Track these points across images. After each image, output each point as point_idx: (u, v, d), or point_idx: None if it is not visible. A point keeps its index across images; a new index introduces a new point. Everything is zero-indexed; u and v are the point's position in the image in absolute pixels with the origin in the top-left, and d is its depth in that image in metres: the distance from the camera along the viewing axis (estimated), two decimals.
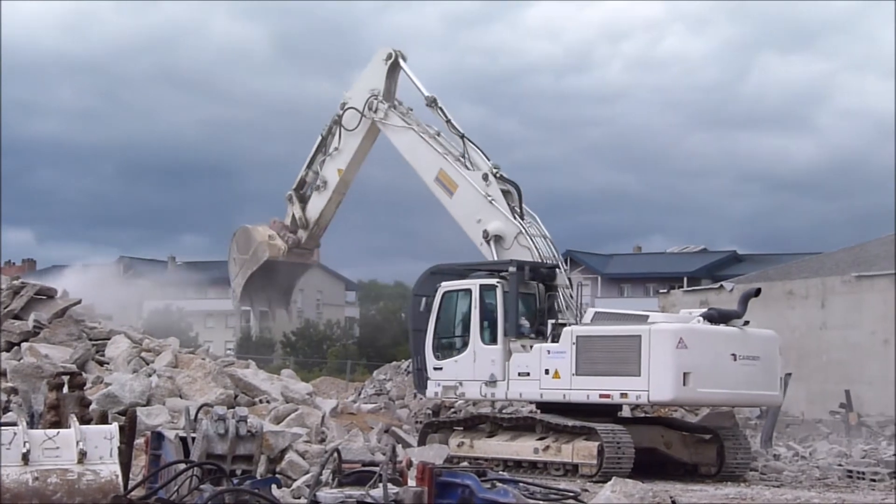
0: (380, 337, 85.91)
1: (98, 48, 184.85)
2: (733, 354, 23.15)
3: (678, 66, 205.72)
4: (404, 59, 28.63)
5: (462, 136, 27.05)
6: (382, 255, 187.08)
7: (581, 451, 22.71)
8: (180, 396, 21.81)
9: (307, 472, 16.36)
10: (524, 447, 23.70)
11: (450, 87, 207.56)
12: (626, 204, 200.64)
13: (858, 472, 24.34)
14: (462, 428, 25.35)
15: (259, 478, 13.11)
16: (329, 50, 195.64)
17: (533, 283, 24.66)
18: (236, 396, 22.68)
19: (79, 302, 26.33)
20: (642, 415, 27.47)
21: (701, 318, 23.54)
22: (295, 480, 16.12)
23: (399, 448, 17.83)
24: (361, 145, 29.26)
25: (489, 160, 26.56)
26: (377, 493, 12.08)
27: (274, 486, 13.05)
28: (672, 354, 22.70)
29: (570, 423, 23.22)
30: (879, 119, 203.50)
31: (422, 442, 25.06)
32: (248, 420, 12.95)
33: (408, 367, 39.23)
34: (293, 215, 30.60)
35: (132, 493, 11.10)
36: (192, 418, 14.08)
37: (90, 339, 24.92)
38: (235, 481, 12.05)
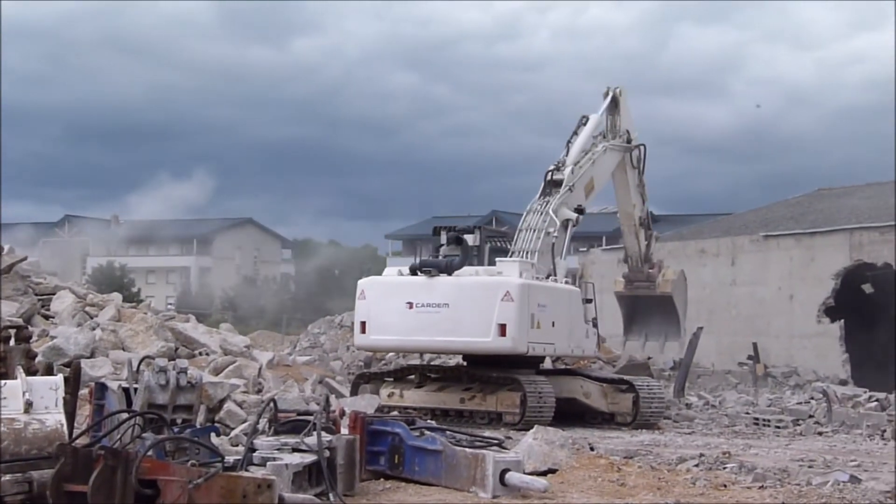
0: (315, 292, 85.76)
1: (45, 13, 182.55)
2: (409, 303, 23.20)
3: (601, 35, 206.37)
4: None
5: None
6: (316, 214, 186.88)
7: (505, 401, 22.83)
8: (123, 349, 21.68)
9: (244, 421, 16.34)
10: (451, 397, 23.78)
11: (385, 54, 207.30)
12: (548, 166, 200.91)
13: (764, 420, 24.63)
14: (392, 379, 25.37)
15: (199, 426, 13.08)
16: (271, 17, 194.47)
17: None
18: (177, 349, 22.58)
19: (25, 258, 26.05)
20: (563, 367, 27.63)
21: (407, 271, 23.80)
22: (233, 429, 16.10)
23: (332, 398, 17.87)
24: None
25: None
26: (311, 440, 12.08)
27: (213, 435, 13.01)
28: (357, 305, 23.95)
29: (495, 374, 23.33)
30: (789, 87, 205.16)
31: (354, 392, 25.06)
32: (188, 371, 12.92)
33: (340, 321, 39.26)
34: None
35: (77, 441, 11.04)
36: (134, 370, 14.02)
37: (36, 294, 24.68)
38: (176, 430, 12.01)
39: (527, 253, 24.47)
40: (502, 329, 22.36)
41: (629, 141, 28.46)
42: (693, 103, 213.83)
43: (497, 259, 23.95)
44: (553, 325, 23.13)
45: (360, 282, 24.52)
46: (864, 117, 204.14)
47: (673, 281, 30.38)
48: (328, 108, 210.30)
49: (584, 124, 27.57)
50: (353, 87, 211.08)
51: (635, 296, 30.88)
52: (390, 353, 32.64)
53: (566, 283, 24.41)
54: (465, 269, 23.41)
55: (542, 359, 25.22)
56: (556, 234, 24.83)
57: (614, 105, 28.27)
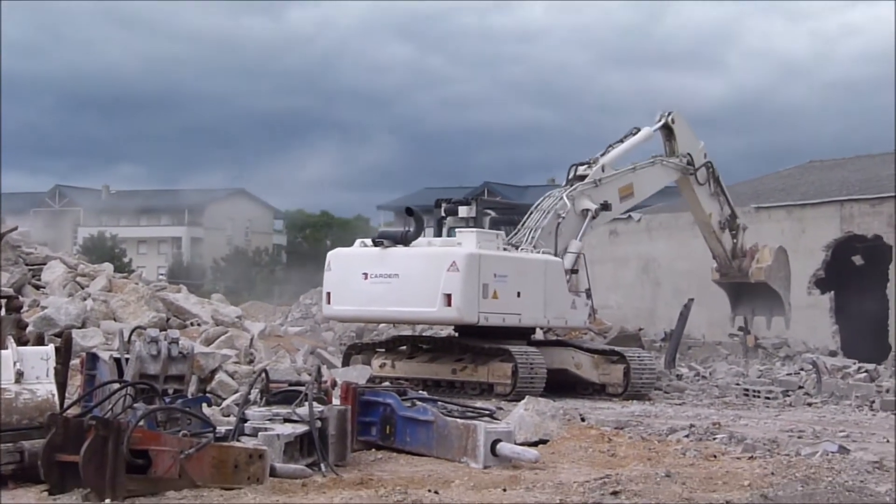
0: (306, 263, 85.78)
1: None
2: (364, 274, 23.31)
3: (596, 6, 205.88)
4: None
5: None
6: (309, 185, 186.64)
7: (496, 372, 22.86)
8: (114, 319, 21.66)
9: (236, 392, 16.35)
10: (442, 368, 23.81)
11: (380, 25, 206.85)
12: (543, 138, 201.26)
13: (754, 391, 24.69)
14: (384, 349, 25.41)
15: (190, 397, 13.09)
16: None
17: None
18: (168, 319, 22.56)
19: (15, 228, 25.99)
20: (554, 338, 27.65)
21: (369, 242, 23.99)
22: (224, 399, 16.10)
23: (324, 369, 17.88)
24: None
25: None
26: (303, 411, 12.10)
27: (204, 405, 13.04)
28: (325, 276, 24.35)
29: (487, 345, 23.35)
30: (783, 59, 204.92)
31: (345, 363, 25.08)
32: (180, 342, 12.91)
33: None
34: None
35: (68, 411, 11.04)
36: (125, 340, 13.99)
37: (27, 265, 24.62)
38: (167, 400, 12.01)
39: (531, 230, 24.62)
40: (448, 299, 22.45)
41: (691, 163, 28.65)
42: (687, 75, 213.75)
43: (457, 230, 24.11)
44: (518, 296, 23.17)
45: (328, 254, 24.84)
46: (857, 90, 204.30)
47: (767, 267, 30.88)
48: (323, 79, 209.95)
49: (633, 134, 27.99)
50: (348, 58, 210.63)
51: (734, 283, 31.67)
52: (382, 325, 32.70)
53: (563, 259, 24.41)
54: (420, 240, 23.53)
55: (532, 330, 25.25)
56: (564, 216, 24.94)
57: (668, 131, 28.42)
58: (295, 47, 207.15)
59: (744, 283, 31.18)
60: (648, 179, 27.89)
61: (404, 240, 23.47)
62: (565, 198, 25.40)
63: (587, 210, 25.45)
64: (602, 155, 26.98)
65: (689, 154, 28.63)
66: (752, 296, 31.26)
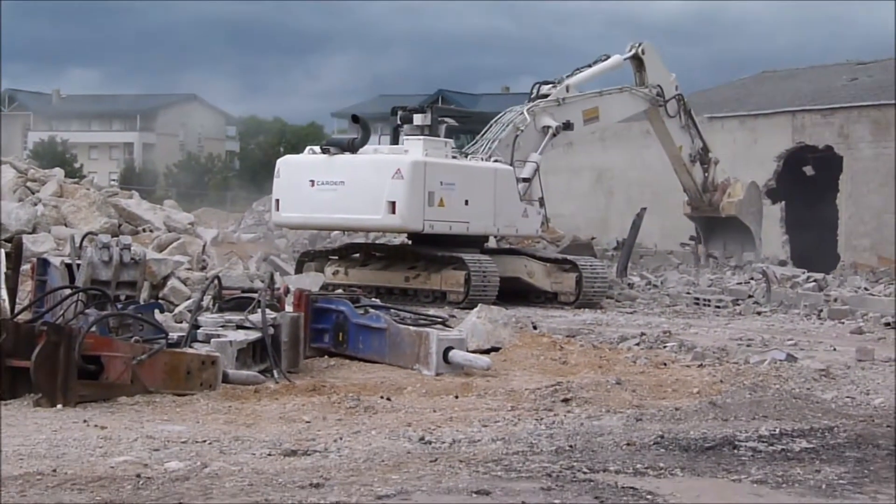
0: (259, 170, 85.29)
1: None
2: (311, 181, 23.36)
3: None
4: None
5: None
6: (262, 91, 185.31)
7: (449, 280, 22.90)
8: (65, 225, 21.48)
9: (189, 298, 16.31)
10: (395, 276, 23.84)
11: None
12: (498, 46, 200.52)
13: (705, 300, 24.85)
14: (337, 257, 25.39)
15: (142, 303, 13.06)
16: None
17: None
18: (120, 226, 22.39)
19: None
20: (507, 246, 27.71)
21: (318, 150, 23.98)
22: (177, 306, 16.07)
23: (277, 276, 17.85)
24: None
25: None
26: (256, 317, 12.11)
27: (157, 311, 13.02)
28: (274, 183, 24.36)
29: (439, 252, 23.37)
30: None
31: (298, 270, 25.06)
32: (132, 248, 12.87)
33: None
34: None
35: (19, 316, 10.99)
36: (77, 246, 13.92)
37: None
38: (119, 306, 11.98)
39: (490, 141, 24.59)
40: (392, 206, 22.41)
41: (661, 94, 28.70)
42: None
43: (405, 137, 24.06)
44: (466, 204, 23.17)
45: (278, 161, 24.83)
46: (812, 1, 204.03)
47: (738, 202, 31.22)
48: None
49: (602, 60, 28.05)
50: None
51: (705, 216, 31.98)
52: (335, 232, 32.70)
53: (522, 179, 24.40)
54: (367, 147, 23.48)
55: (485, 238, 25.28)
56: (523, 129, 24.90)
57: (638, 61, 28.42)
58: None
59: (715, 218, 31.41)
60: (615, 105, 27.98)
61: (351, 147, 23.39)
62: (526, 113, 25.37)
63: (548, 127, 25.42)
64: (568, 77, 26.96)
65: (659, 86, 28.73)
66: (723, 230, 31.51)
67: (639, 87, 28.45)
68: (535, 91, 26.65)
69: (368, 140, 23.83)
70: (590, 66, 27.65)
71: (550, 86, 26.61)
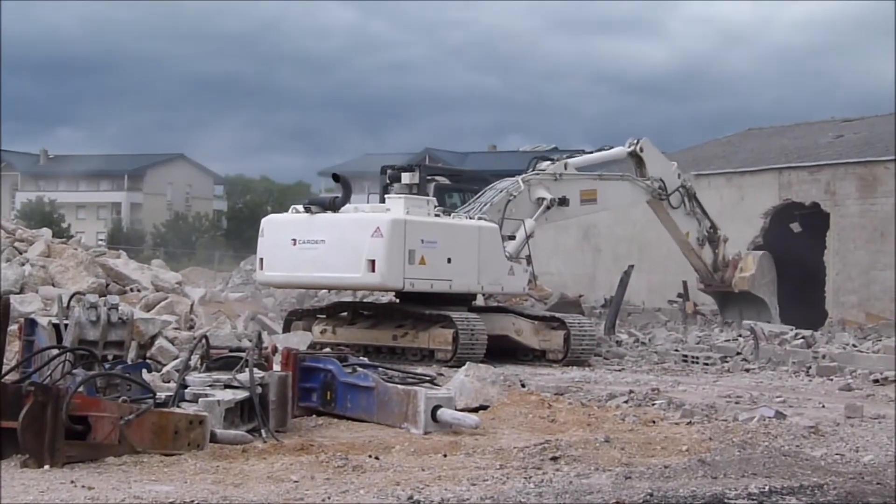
0: (246, 229, 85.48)
1: None
2: (293, 240, 23.41)
3: None
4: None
5: None
6: (250, 151, 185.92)
7: (437, 338, 22.90)
8: (53, 285, 21.47)
9: (176, 358, 16.27)
10: (383, 334, 23.83)
11: None
12: (486, 104, 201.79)
13: (693, 357, 24.87)
14: (325, 315, 25.40)
15: (130, 363, 13.04)
16: None
17: None
18: (108, 285, 22.38)
19: None
20: (495, 304, 27.74)
21: (301, 209, 24.04)
22: (165, 365, 16.02)
23: (264, 335, 17.83)
24: None
25: None
26: (244, 377, 12.09)
27: (144, 371, 13.01)
28: (258, 242, 24.42)
29: (427, 311, 23.39)
30: (725, 25, 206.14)
31: (286, 329, 25.06)
32: (120, 307, 12.85)
33: None
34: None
35: (6, 377, 10.96)
36: (64, 306, 13.92)
37: None
38: (107, 366, 11.96)
39: (482, 204, 24.77)
40: (372, 265, 22.44)
41: (663, 188, 28.82)
42: (629, 41, 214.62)
43: (387, 196, 24.19)
44: (449, 262, 23.20)
45: (262, 220, 24.85)
46: (797, 56, 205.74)
47: (750, 276, 31.37)
48: (264, 43, 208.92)
49: (603, 150, 28.67)
50: (289, 22, 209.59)
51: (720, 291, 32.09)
52: (322, 291, 32.73)
53: (508, 237, 24.47)
54: (348, 206, 23.59)
55: (472, 296, 25.32)
56: (516, 195, 25.06)
57: (637, 159, 28.64)
58: (236, 9, 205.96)
59: (730, 292, 31.50)
60: (615, 192, 28.27)
61: (333, 206, 23.51)
62: (520, 181, 25.57)
63: (542, 199, 25.61)
64: (568, 156, 27.34)
65: (661, 179, 28.88)
66: (739, 301, 31.48)
67: (640, 179, 28.56)
68: (532, 166, 26.89)
69: (350, 198, 23.95)
70: (591, 152, 28.10)
71: (549, 163, 26.90)
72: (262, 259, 24.30)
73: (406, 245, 22.54)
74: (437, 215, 23.71)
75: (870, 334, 32.47)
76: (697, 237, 30.18)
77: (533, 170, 26.61)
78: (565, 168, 26.72)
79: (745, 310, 32.28)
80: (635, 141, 28.55)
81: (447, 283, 23.39)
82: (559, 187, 26.12)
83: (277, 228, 24.06)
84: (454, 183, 27.21)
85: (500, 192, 25.25)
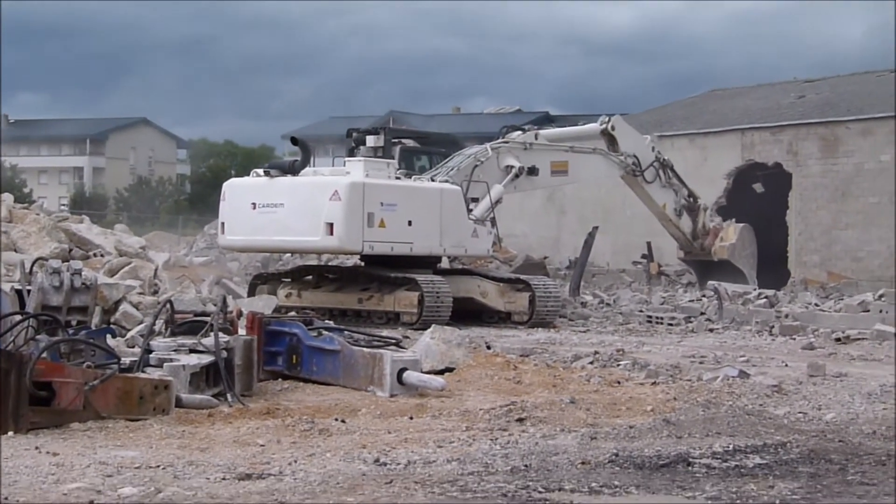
0: (210, 193, 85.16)
1: None
2: (253, 204, 23.40)
3: None
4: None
5: None
6: (213, 114, 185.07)
7: (402, 301, 22.90)
8: (15, 250, 21.33)
9: (141, 323, 16.22)
10: (349, 297, 23.81)
11: None
12: (451, 66, 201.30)
13: (657, 318, 24.98)
14: (290, 279, 25.34)
15: (94, 328, 12.99)
16: None
17: None
18: (70, 250, 22.26)
19: None
20: (460, 266, 27.74)
21: (261, 172, 24.04)
22: (129, 330, 15.98)
23: (229, 299, 17.78)
24: None
25: None
26: (208, 341, 12.06)
27: (108, 336, 12.95)
28: (220, 206, 24.50)
29: (392, 273, 23.37)
30: None
31: (251, 293, 25.00)
32: (83, 273, 12.79)
33: None
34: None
35: None
36: (27, 271, 13.83)
37: None
38: (71, 331, 11.91)
39: (450, 168, 24.65)
40: (330, 228, 22.40)
41: (637, 164, 28.55)
42: (595, 3, 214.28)
43: (347, 159, 24.18)
44: (410, 224, 23.17)
45: (224, 184, 24.84)
46: (761, 18, 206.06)
47: (730, 245, 31.00)
48: (228, 5, 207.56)
49: (577, 125, 28.74)
50: None
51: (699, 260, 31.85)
52: (287, 255, 32.67)
53: (471, 201, 24.39)
54: (307, 169, 23.53)
55: (438, 259, 25.30)
56: (483, 161, 24.94)
57: (609, 137, 28.36)
58: None
59: (710, 262, 31.32)
60: (587, 165, 27.99)
61: (292, 169, 23.45)
62: (488, 147, 25.47)
63: (511, 167, 25.49)
64: (539, 128, 27.23)
65: (634, 155, 28.52)
66: (718, 272, 31.36)
67: (613, 154, 28.26)
68: (502, 133, 26.82)
69: (309, 162, 23.89)
70: (556, 116, 28.07)
71: (520, 132, 26.81)
72: (223, 223, 24.27)
73: (365, 208, 22.49)
74: (398, 178, 23.64)
75: (832, 293, 32.71)
76: (675, 208, 29.98)
77: (502, 138, 26.54)
78: (535, 139, 26.67)
79: (725, 281, 32.17)
80: (607, 119, 28.33)
81: (408, 245, 23.35)
82: (529, 156, 26.02)
83: (238, 192, 23.98)
84: (422, 145, 27.11)
85: (468, 157, 25.18)
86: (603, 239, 34.42)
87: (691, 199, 30.48)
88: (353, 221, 22.37)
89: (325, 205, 22.38)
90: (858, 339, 20.67)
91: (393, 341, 14.87)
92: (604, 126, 28.13)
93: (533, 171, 25.85)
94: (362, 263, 25.13)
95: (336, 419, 10.87)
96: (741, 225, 31.56)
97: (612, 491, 7.79)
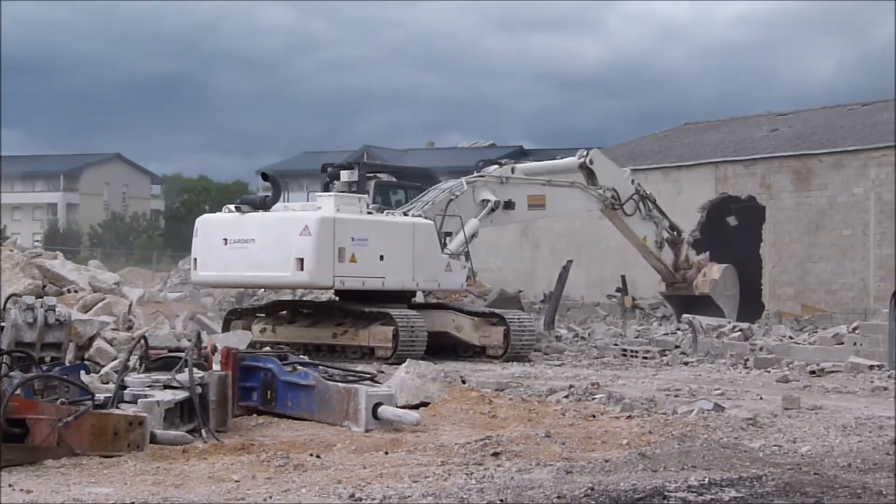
0: (184, 228, 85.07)
1: None
2: (224, 239, 23.45)
3: None
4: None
5: None
6: (187, 150, 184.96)
7: (377, 335, 22.88)
8: None
9: (115, 359, 16.16)
10: (323, 332, 23.78)
11: None
12: (424, 102, 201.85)
13: (632, 351, 25.02)
14: (264, 314, 25.31)
15: (68, 364, 12.94)
16: None
17: None
18: (44, 287, 22.17)
19: None
20: (434, 301, 27.75)
21: (233, 208, 24.07)
22: (103, 366, 15.91)
23: (204, 334, 17.71)
24: None
25: None
26: (183, 377, 12.03)
27: (83, 372, 12.88)
28: (193, 242, 24.39)
29: (367, 308, 23.36)
30: (663, 22, 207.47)
31: (226, 328, 24.96)
32: (57, 309, 12.76)
33: None
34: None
35: None
36: (1, 307, 13.78)
37: None
38: (45, 368, 11.86)
39: (424, 203, 24.66)
40: (300, 263, 22.41)
41: (616, 197, 28.56)
42: (568, 38, 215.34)
43: (318, 194, 24.24)
44: (382, 259, 23.17)
45: (196, 220, 24.81)
46: (733, 52, 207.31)
47: (714, 281, 30.86)
48: (201, 42, 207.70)
49: (555, 158, 28.74)
50: (228, 22, 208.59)
51: (679, 295, 31.60)
52: (261, 290, 32.62)
53: (445, 236, 24.39)
54: (278, 205, 23.59)
55: (413, 293, 25.30)
56: (458, 195, 24.96)
57: (588, 171, 28.43)
58: (173, 9, 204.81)
59: (690, 298, 31.15)
60: (564, 199, 28.01)
61: (263, 205, 23.49)
62: (464, 182, 25.51)
63: (487, 201, 25.51)
64: (516, 162, 27.32)
65: (613, 188, 28.54)
66: (697, 309, 31.27)
67: (592, 188, 28.30)
68: (479, 167, 26.89)
69: (280, 197, 23.96)
70: (530, 151, 28.09)
71: (497, 166, 26.86)
72: (196, 259, 24.23)
73: (335, 243, 22.50)
74: (370, 212, 23.65)
75: (806, 326, 32.82)
76: (656, 240, 29.95)
77: (478, 171, 26.58)
78: (512, 172, 26.71)
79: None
80: (585, 153, 28.34)
81: (380, 280, 23.35)
82: (505, 190, 26.05)
83: (210, 228, 23.97)
84: (397, 180, 27.15)
85: (443, 191, 25.21)
86: (577, 272, 34.54)
87: (675, 233, 30.51)
88: (324, 256, 22.37)
89: (295, 240, 22.39)
90: (833, 371, 20.73)
91: (368, 376, 14.86)
92: (582, 160, 28.16)
93: (509, 204, 25.89)
94: (336, 298, 25.11)
95: (311, 454, 10.84)
96: (724, 266, 31.56)
97: None
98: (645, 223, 29.58)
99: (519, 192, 26.44)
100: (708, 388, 17.66)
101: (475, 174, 26.37)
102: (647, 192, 29.73)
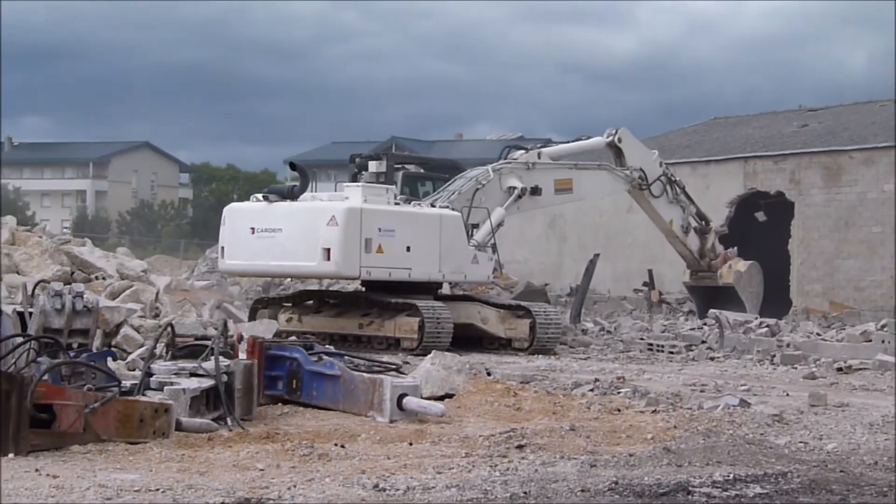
0: (212, 217, 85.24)
1: None
2: (252, 228, 23.42)
3: None
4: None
5: None
6: (215, 139, 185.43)
7: (403, 326, 22.89)
8: (17, 273, 21.37)
9: (142, 346, 16.23)
10: (349, 322, 23.81)
11: None
12: (453, 93, 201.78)
13: (658, 345, 24.95)
14: (290, 304, 25.35)
15: (95, 351, 12.99)
16: None
17: None
18: (73, 273, 22.29)
19: None
20: (461, 292, 27.74)
21: (260, 197, 24.04)
22: (130, 353, 15.98)
23: (230, 323, 17.79)
24: None
25: None
26: (209, 365, 12.06)
27: (109, 359, 12.96)
28: (220, 231, 24.48)
29: (393, 299, 23.37)
30: (692, 15, 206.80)
31: (252, 317, 25.02)
32: (85, 295, 12.81)
33: None
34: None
35: None
36: (29, 294, 13.86)
37: None
38: (72, 354, 11.91)
39: (451, 192, 24.65)
40: (327, 253, 22.40)
41: (644, 178, 28.49)
42: (598, 31, 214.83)
43: (345, 185, 24.22)
44: (408, 250, 23.17)
45: (224, 209, 24.87)
46: (763, 46, 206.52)
47: (739, 272, 30.81)
48: (231, 30, 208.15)
49: (581, 139, 28.40)
50: (257, 10, 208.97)
51: (703, 286, 31.49)
52: (288, 279, 32.69)
53: (472, 227, 24.35)
54: (306, 195, 23.59)
55: (439, 285, 25.30)
56: (484, 184, 24.91)
57: (616, 150, 28.35)
58: None
59: (714, 291, 31.04)
60: (592, 181, 27.90)
61: (291, 194, 23.50)
62: (490, 170, 25.44)
63: (513, 188, 25.45)
64: (542, 146, 27.12)
65: (641, 168, 28.45)
66: (720, 301, 31.10)
67: (619, 168, 28.22)
68: (503, 155, 26.74)
69: (307, 187, 23.94)
70: (560, 142, 27.83)
71: (522, 151, 26.71)
72: (223, 248, 24.28)
73: (362, 233, 22.51)
74: (397, 203, 23.64)
75: (833, 323, 32.68)
76: (682, 224, 29.80)
77: (504, 159, 26.49)
78: (538, 157, 26.62)
79: (726, 310, 31.91)
80: (614, 131, 28.20)
81: (406, 271, 23.34)
82: (532, 176, 25.99)
83: (237, 217, 24.00)
84: (425, 171, 27.14)
85: (469, 180, 25.18)
86: (604, 266, 34.40)
87: (703, 222, 30.40)
88: (350, 247, 22.39)
89: (322, 230, 22.40)
90: (860, 369, 20.63)
91: (393, 367, 14.88)
92: (610, 138, 28.09)
93: (536, 190, 25.83)
94: (363, 289, 25.13)
95: (335, 444, 10.86)
96: (750, 262, 31.42)
97: None
98: (671, 206, 29.48)
99: (545, 177, 26.38)
100: (734, 384, 17.60)
101: (501, 161, 26.28)
102: (676, 178, 29.63)
